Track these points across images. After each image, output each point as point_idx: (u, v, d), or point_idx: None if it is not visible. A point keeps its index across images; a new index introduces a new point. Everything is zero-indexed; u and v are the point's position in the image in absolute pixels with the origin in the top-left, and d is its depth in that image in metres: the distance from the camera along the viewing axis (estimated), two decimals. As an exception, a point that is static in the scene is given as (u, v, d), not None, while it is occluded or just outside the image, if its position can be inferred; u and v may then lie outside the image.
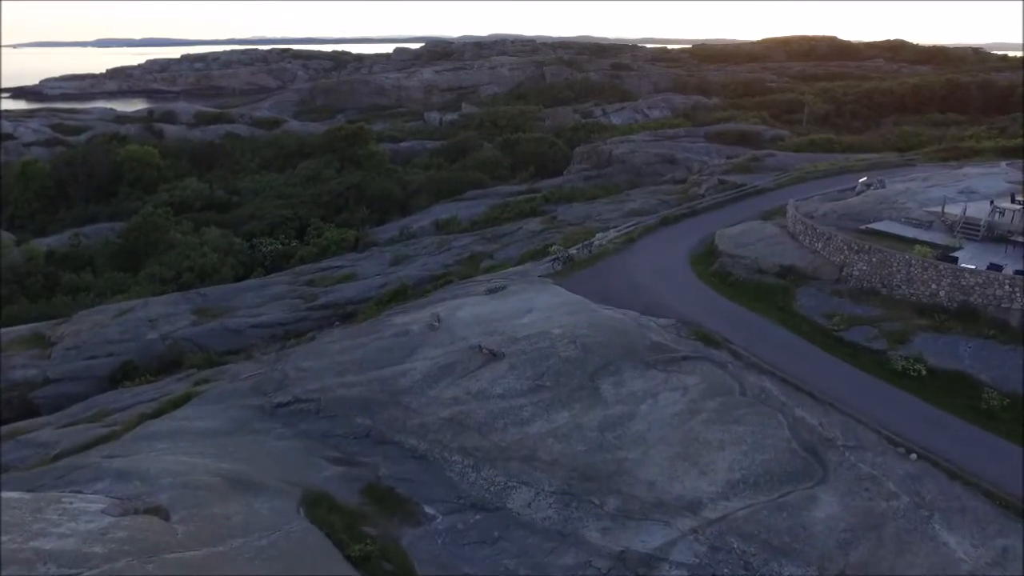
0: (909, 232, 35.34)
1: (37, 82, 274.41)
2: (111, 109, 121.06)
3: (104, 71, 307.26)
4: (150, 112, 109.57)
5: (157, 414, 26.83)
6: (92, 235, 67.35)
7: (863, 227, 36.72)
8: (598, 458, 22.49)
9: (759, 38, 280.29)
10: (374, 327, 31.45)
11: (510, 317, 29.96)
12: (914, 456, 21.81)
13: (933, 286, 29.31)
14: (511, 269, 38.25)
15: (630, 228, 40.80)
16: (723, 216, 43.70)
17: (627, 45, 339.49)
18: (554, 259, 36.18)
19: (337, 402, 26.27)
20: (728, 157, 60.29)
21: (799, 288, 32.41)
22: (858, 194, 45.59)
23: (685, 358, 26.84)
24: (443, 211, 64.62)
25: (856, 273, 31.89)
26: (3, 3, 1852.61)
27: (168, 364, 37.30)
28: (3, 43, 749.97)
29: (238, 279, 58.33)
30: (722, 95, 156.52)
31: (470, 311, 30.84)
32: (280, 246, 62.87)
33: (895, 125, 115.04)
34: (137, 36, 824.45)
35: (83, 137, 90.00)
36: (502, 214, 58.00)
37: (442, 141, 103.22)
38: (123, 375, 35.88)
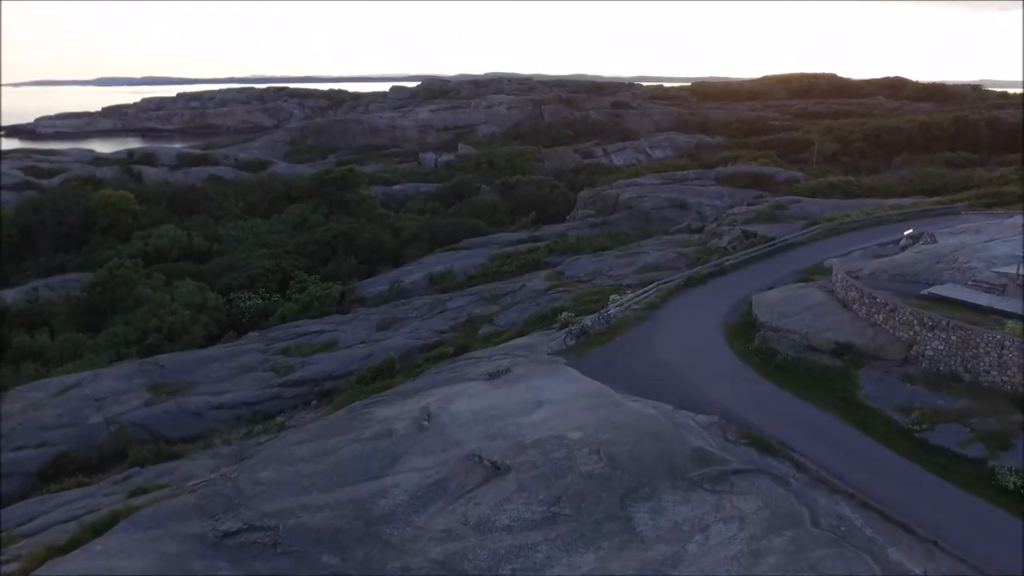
0: (982, 299, 30.08)
1: (32, 120, 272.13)
2: (89, 150, 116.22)
3: (99, 109, 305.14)
4: (130, 154, 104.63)
5: (71, 546, 21.20)
6: (57, 287, 62.06)
7: (924, 292, 31.56)
8: (638, 627, 16.95)
9: (758, 75, 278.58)
10: (350, 423, 25.98)
11: (516, 413, 24.54)
12: (1064, 629, 16.29)
13: (1033, 374, 23.98)
14: (515, 342, 32.92)
15: (650, 291, 35.58)
16: (755, 275, 38.56)
17: (624, 83, 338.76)
18: (566, 332, 30.87)
19: (300, 532, 20.70)
20: (748, 204, 55.50)
21: (860, 371, 27.11)
22: (903, 249, 40.60)
23: (737, 472, 21.38)
24: (438, 262, 59.54)
25: (930, 353, 26.59)
26: (5, 43, 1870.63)
27: (111, 456, 31.78)
28: (4, 82, 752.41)
29: (212, 338, 53.10)
30: (725, 134, 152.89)
31: (467, 404, 25.42)
32: (260, 301, 57.64)
33: (906, 164, 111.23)
34: (138, 75, 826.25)
35: (56, 180, 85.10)
36: (502, 267, 52.89)
37: (437, 184, 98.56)
38: (56, 471, 30.32)
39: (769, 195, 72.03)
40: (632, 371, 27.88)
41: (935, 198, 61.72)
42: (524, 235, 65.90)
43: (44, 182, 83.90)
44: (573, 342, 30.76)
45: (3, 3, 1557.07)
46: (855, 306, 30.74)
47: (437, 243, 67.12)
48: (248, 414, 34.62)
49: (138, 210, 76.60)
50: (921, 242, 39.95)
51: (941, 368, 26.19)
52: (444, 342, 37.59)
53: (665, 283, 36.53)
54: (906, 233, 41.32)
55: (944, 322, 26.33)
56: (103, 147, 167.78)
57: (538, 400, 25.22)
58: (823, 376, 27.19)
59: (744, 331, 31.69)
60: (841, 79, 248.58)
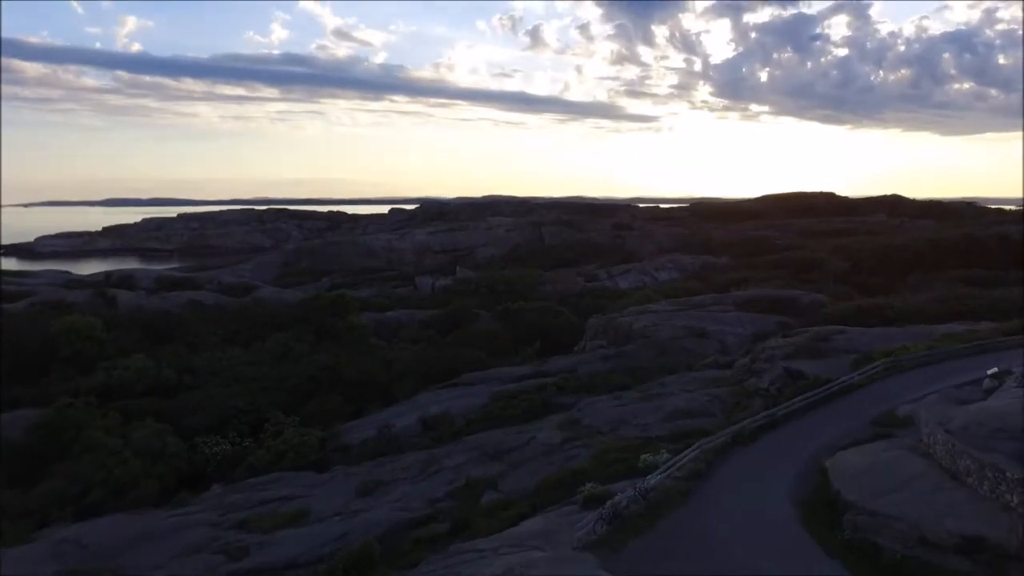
0: None
1: (32, 240, 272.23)
2: (65, 272, 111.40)
3: (100, 229, 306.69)
4: (107, 276, 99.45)
5: None
6: (2, 427, 54.80)
7: (1048, 456, 24.61)
8: None
9: (756, 195, 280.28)
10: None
11: (537, 657, 17.17)
12: None
13: None
14: (527, 525, 25.64)
15: (692, 453, 28.61)
16: (816, 429, 31.73)
17: (621, 204, 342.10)
18: (596, 517, 23.71)
19: None
20: (784, 336, 49.28)
21: (1004, 580, 19.84)
22: (988, 392, 33.88)
23: None
24: (433, 400, 52.64)
25: (1100, 556, 19.41)
26: (13, 166, 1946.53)
27: None
28: (13, 202, 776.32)
29: (167, 492, 45.65)
30: (730, 254, 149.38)
31: (467, 640, 18.06)
32: (229, 446, 50.44)
33: (923, 283, 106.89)
34: (144, 196, 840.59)
35: (21, 305, 79.17)
36: (506, 410, 45.98)
37: (433, 311, 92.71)
38: None
39: (795, 321, 66.11)
40: (690, 579, 20.59)
41: (985, 324, 55.50)
42: (529, 369, 59.29)
43: (9, 307, 77.93)
44: (604, 529, 23.55)
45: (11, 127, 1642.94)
46: (970, 479, 23.72)
47: (432, 378, 60.32)
48: (183, 620, 26.87)
49: (105, 338, 70.14)
50: (1013, 383, 33.28)
51: (1121, 578, 19.00)
52: (438, 515, 30.26)
53: (709, 443, 29.59)
54: (989, 372, 34.71)
55: (1119, 514, 19.33)
56: (99, 267, 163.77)
57: (567, 636, 17.89)
58: (955, 591, 19.93)
59: (823, 511, 24.54)
60: (840, 198, 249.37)
